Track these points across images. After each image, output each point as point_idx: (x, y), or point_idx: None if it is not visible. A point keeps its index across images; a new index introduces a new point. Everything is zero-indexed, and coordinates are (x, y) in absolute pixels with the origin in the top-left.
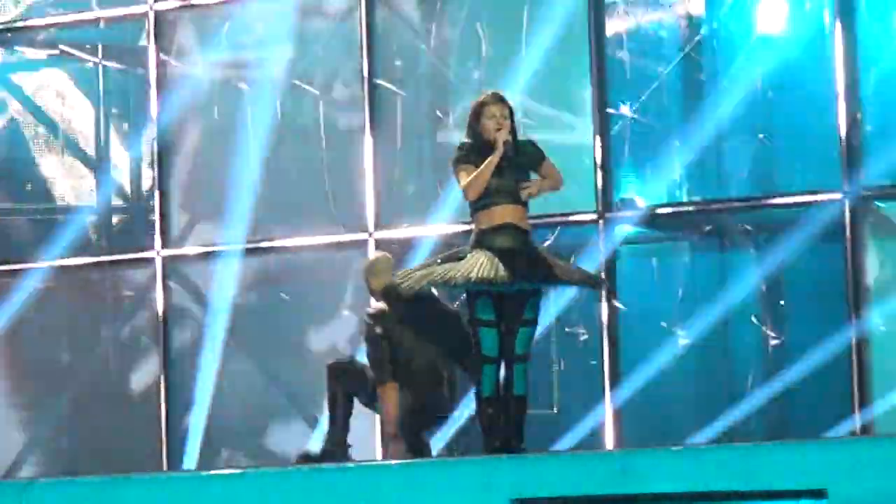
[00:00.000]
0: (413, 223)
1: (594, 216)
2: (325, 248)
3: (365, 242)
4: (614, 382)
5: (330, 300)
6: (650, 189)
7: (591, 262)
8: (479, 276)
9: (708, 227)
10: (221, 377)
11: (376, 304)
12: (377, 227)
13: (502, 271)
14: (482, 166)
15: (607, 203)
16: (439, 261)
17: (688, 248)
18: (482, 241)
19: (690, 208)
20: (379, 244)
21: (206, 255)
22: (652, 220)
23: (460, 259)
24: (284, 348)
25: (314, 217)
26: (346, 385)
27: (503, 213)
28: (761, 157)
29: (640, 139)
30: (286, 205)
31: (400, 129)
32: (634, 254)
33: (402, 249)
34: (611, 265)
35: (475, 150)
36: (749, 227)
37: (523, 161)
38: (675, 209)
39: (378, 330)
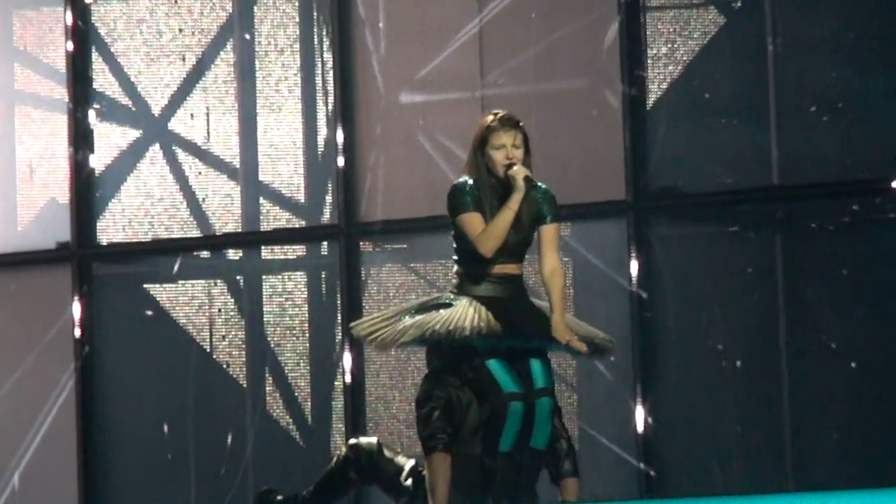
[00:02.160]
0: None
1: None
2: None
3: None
4: (647, 412)
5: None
6: (692, 173)
7: (619, 262)
8: (473, 325)
9: (770, 217)
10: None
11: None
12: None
13: (494, 323)
14: (499, 215)
15: (641, 189)
16: (413, 311)
17: (739, 241)
18: (469, 290)
19: (736, 195)
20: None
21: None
22: (694, 209)
23: (440, 307)
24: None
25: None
26: (361, 468)
27: (500, 270)
28: (832, 136)
29: (680, 115)
30: None
31: None
32: (672, 249)
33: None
34: (644, 263)
35: (479, 190)
36: (817, 221)
37: (535, 210)
38: (719, 196)
39: (438, 386)
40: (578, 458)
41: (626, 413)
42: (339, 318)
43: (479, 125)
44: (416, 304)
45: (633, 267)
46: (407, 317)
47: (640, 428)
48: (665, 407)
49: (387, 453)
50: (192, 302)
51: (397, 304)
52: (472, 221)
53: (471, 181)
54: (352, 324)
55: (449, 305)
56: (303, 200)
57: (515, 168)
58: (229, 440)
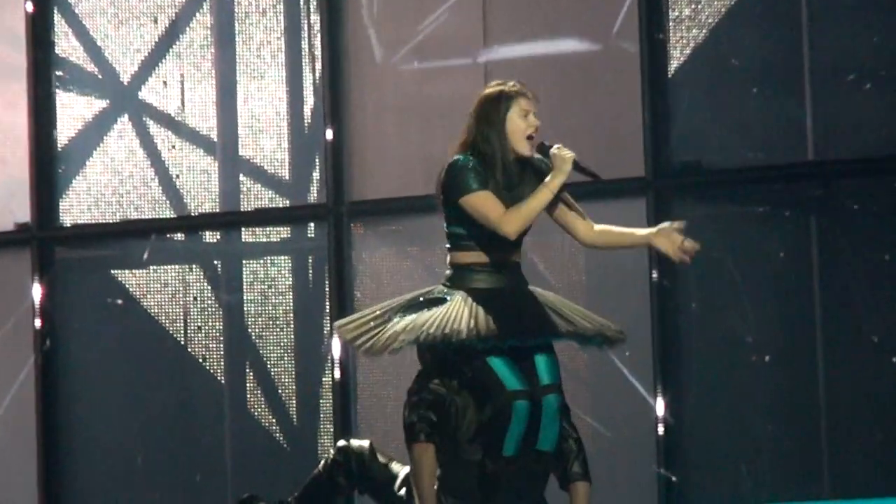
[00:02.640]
0: None
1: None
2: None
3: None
4: (668, 411)
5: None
6: (718, 148)
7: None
8: (470, 327)
9: (805, 196)
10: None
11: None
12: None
13: (492, 324)
14: (536, 195)
15: (661, 166)
16: (403, 309)
17: (770, 223)
18: (464, 282)
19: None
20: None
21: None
22: (720, 187)
23: (431, 304)
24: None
25: None
26: (351, 474)
27: (499, 258)
28: (873, 107)
29: (705, 84)
30: None
31: None
32: (696, 231)
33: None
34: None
35: (484, 167)
36: (857, 200)
37: (532, 180)
38: (748, 173)
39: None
40: (590, 461)
41: (644, 412)
42: (328, 306)
43: (487, 94)
44: (406, 301)
45: (654, 251)
46: (397, 317)
47: (659, 429)
48: (688, 405)
49: (380, 458)
50: (164, 289)
51: (391, 292)
52: (488, 201)
53: (472, 158)
54: (336, 323)
55: (442, 301)
56: (287, 177)
57: (561, 148)
58: (205, 442)
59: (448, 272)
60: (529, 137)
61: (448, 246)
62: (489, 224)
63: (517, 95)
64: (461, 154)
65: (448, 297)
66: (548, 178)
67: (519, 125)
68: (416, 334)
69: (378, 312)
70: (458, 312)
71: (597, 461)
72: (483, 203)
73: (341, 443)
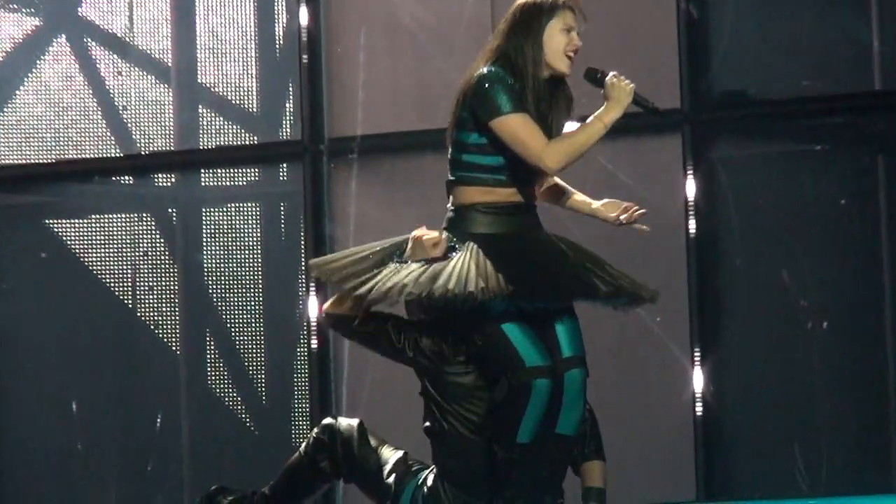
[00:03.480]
0: None
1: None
2: None
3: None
4: (708, 387)
5: None
6: (766, 76)
7: (673, 190)
8: (481, 286)
9: (869, 132)
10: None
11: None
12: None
13: (503, 282)
14: (588, 127)
15: (700, 97)
16: (403, 260)
17: (829, 164)
18: (470, 225)
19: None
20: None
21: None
22: (769, 122)
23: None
24: None
25: None
26: (335, 458)
27: (514, 192)
28: None
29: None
30: None
31: None
32: (740, 174)
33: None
34: (704, 192)
35: (520, 86)
36: None
37: (564, 111)
38: (802, 105)
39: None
40: (616, 444)
41: (680, 388)
42: (303, 263)
43: (522, 2)
44: (399, 243)
45: (690, 195)
46: (394, 263)
47: (698, 406)
48: (731, 381)
49: (371, 441)
50: (109, 242)
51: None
52: (528, 126)
53: (506, 72)
54: (312, 262)
55: (449, 250)
56: (255, 109)
57: (619, 77)
58: (158, 424)
59: (449, 214)
60: (568, 58)
61: (452, 179)
62: (527, 154)
63: (563, 7)
64: (491, 65)
65: (457, 247)
66: (601, 111)
67: (559, 40)
68: (426, 289)
69: (366, 253)
70: (463, 268)
71: (624, 444)
72: (521, 128)
73: (327, 421)
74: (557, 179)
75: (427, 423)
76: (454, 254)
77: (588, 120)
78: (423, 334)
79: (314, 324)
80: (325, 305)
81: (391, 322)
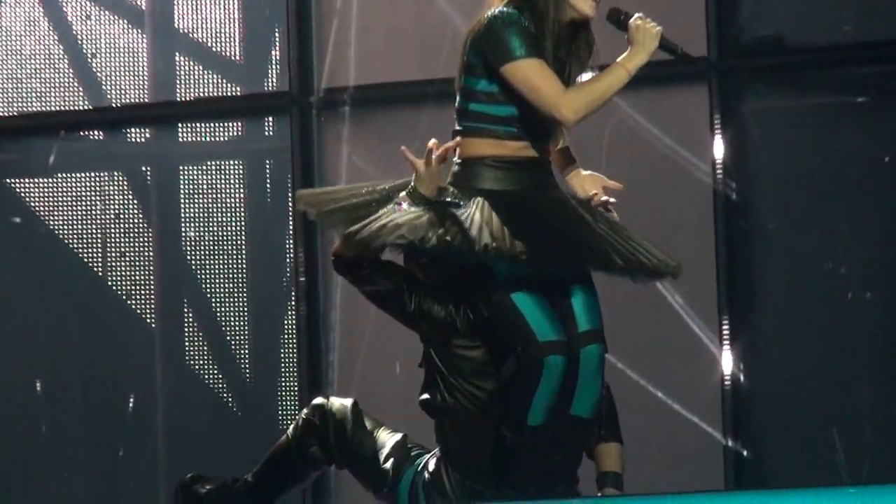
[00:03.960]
0: None
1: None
2: None
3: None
4: (738, 365)
5: None
6: (803, 19)
7: (698, 146)
8: (488, 243)
9: None
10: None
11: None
12: None
13: (514, 242)
14: (609, 74)
15: (729, 42)
16: (403, 201)
17: (872, 117)
18: (477, 180)
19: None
20: None
21: None
22: (806, 70)
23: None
24: None
25: None
26: (327, 441)
27: (528, 145)
28: None
29: None
30: None
31: None
32: (774, 128)
33: None
34: (733, 149)
35: (537, 29)
36: None
37: (585, 59)
38: (842, 52)
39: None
40: (635, 428)
41: (707, 366)
42: (291, 226)
43: None
44: (401, 185)
45: (718, 153)
46: (392, 204)
47: (726, 387)
48: (764, 357)
49: (367, 423)
50: (77, 204)
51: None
52: (543, 72)
53: (521, 14)
54: (299, 193)
55: (453, 205)
56: (238, 57)
57: (644, 19)
58: (131, 405)
59: (455, 168)
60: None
61: (459, 129)
62: (542, 103)
63: None
64: (504, 6)
65: (462, 202)
66: (624, 56)
67: None
68: (423, 233)
69: (363, 190)
70: (480, 223)
71: (644, 429)
72: (536, 74)
73: (317, 401)
74: (567, 143)
75: (426, 396)
76: (458, 209)
77: (610, 67)
78: (432, 298)
79: (303, 293)
80: (334, 247)
81: (405, 279)
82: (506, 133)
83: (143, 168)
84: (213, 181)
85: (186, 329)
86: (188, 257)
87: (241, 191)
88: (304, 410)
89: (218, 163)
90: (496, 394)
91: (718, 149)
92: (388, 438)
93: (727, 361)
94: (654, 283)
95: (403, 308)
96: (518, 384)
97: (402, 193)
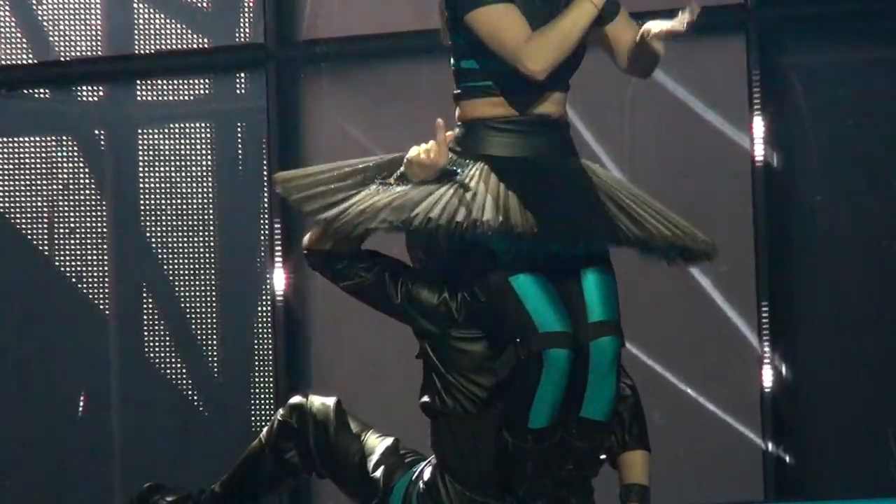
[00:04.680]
0: None
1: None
2: None
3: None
4: (781, 361)
5: None
6: None
7: (734, 107)
8: (492, 216)
9: None
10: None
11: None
12: None
13: (524, 213)
14: (571, 12)
15: None
16: (389, 180)
17: None
18: (481, 145)
19: None
20: None
21: None
22: (857, 19)
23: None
24: None
25: None
26: (306, 446)
27: (536, 100)
28: None
29: None
30: None
31: None
32: (820, 87)
33: None
34: (773, 110)
35: None
36: None
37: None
38: None
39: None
40: (659, 429)
41: (744, 360)
42: (266, 198)
43: None
44: (392, 160)
45: (757, 116)
46: (376, 184)
47: (766, 385)
48: (809, 353)
49: (352, 425)
50: (21, 172)
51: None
52: (507, 18)
53: None
54: (277, 176)
55: (449, 174)
56: (204, 4)
57: None
58: (81, 403)
59: (457, 131)
60: None
61: (457, 92)
62: (505, 55)
63: None
64: None
65: (459, 170)
66: None
67: None
68: (406, 214)
69: (346, 170)
70: (476, 194)
71: (673, 431)
72: (499, 21)
73: (295, 400)
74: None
75: (425, 399)
76: (453, 180)
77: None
78: (422, 286)
79: (280, 278)
80: (306, 239)
81: (388, 269)
82: (507, 89)
83: (96, 132)
84: (177, 147)
85: (145, 317)
86: (147, 235)
87: (209, 158)
88: (280, 411)
89: (182, 126)
90: (492, 395)
91: (757, 114)
92: (376, 443)
93: (768, 355)
94: (686, 267)
95: (389, 301)
96: (518, 382)
97: (394, 175)
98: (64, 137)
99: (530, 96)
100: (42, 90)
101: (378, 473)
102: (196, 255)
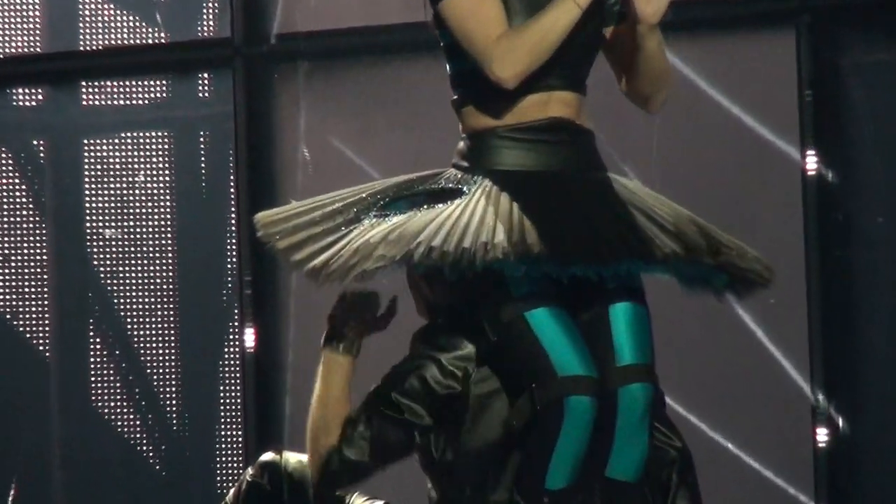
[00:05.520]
0: None
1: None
2: None
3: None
4: (837, 414)
5: None
6: None
7: (783, 113)
8: (502, 241)
9: None
10: None
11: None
12: None
13: (538, 239)
14: (552, 9)
15: None
16: (384, 202)
17: None
18: (490, 158)
19: None
20: None
21: None
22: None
23: (431, 198)
24: None
25: None
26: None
27: (546, 103)
28: None
29: None
30: None
31: None
32: (881, 89)
33: None
34: (828, 115)
35: None
36: None
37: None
38: None
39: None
40: (710, 502)
41: (796, 413)
42: (234, 219)
43: None
44: (387, 188)
45: (809, 121)
46: (370, 217)
47: (821, 442)
48: (871, 403)
49: None
50: None
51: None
52: (481, 10)
53: None
54: (258, 217)
55: (454, 194)
56: None
57: None
58: (19, 458)
59: (461, 144)
60: None
61: (455, 97)
62: (475, 56)
63: None
64: None
65: (465, 188)
66: None
67: None
68: (405, 248)
69: (337, 205)
70: (480, 215)
71: (711, 493)
72: (470, 14)
73: (267, 457)
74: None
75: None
76: (467, 194)
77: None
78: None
79: (250, 311)
80: (314, 466)
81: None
82: (507, 96)
83: (34, 141)
84: (129, 159)
85: (92, 357)
86: (94, 263)
87: (167, 172)
88: (250, 469)
89: (135, 134)
90: (503, 448)
91: (809, 115)
92: None
93: (822, 405)
94: (738, 297)
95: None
96: (533, 434)
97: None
98: None
99: (542, 103)
100: None
101: None
102: (152, 288)
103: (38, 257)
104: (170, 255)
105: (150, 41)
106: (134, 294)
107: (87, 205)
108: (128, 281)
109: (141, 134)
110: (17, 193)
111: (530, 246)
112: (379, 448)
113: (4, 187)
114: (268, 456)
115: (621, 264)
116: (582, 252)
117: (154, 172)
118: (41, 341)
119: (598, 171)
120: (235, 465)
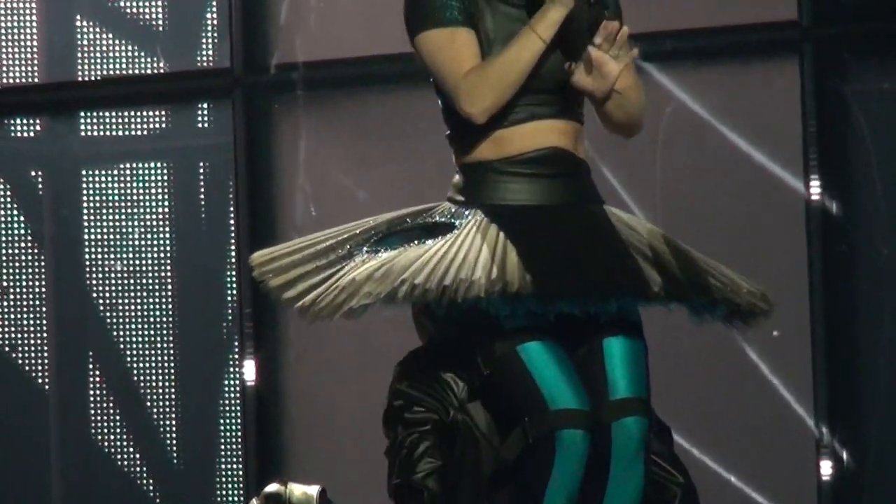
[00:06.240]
0: None
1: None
2: None
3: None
4: (842, 446)
5: None
6: None
7: (786, 140)
8: (489, 279)
9: None
10: None
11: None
12: None
13: (528, 276)
14: (516, 43)
15: (824, 5)
16: (374, 239)
17: None
18: (483, 191)
19: None
20: None
21: None
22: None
23: (422, 233)
24: None
25: None
26: None
27: (539, 132)
28: None
29: None
30: None
31: None
32: (884, 115)
33: None
34: (831, 142)
35: None
36: None
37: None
38: None
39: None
40: None
41: (800, 447)
42: (233, 251)
43: None
44: (379, 225)
45: (812, 150)
46: (362, 254)
47: (825, 475)
48: (876, 436)
49: None
50: None
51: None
52: (452, 46)
53: None
54: (253, 257)
55: (446, 228)
56: (161, 24)
57: None
58: (17, 491)
59: (456, 177)
60: None
61: (448, 133)
62: (446, 90)
63: None
64: None
65: (457, 222)
66: (535, 15)
67: None
68: (390, 285)
69: (329, 242)
70: (469, 251)
71: None
72: (440, 50)
73: (271, 488)
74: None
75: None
76: (458, 228)
77: (519, 32)
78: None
79: (250, 344)
80: None
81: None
82: (506, 121)
83: (33, 172)
84: (128, 190)
85: (91, 390)
86: (94, 295)
87: (166, 204)
88: (254, 501)
89: (134, 165)
90: (494, 485)
91: (812, 145)
92: None
93: (826, 438)
94: (729, 326)
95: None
96: (525, 469)
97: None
98: None
99: (535, 132)
100: None
101: None
102: (151, 320)
103: (36, 289)
104: (169, 286)
105: (149, 71)
106: (133, 326)
107: (86, 236)
108: (126, 313)
109: (140, 164)
110: (16, 225)
111: (509, 283)
112: None
113: (3, 218)
114: (272, 487)
115: (609, 302)
116: (566, 288)
117: (153, 203)
118: (40, 374)
119: (593, 204)
120: (235, 498)
